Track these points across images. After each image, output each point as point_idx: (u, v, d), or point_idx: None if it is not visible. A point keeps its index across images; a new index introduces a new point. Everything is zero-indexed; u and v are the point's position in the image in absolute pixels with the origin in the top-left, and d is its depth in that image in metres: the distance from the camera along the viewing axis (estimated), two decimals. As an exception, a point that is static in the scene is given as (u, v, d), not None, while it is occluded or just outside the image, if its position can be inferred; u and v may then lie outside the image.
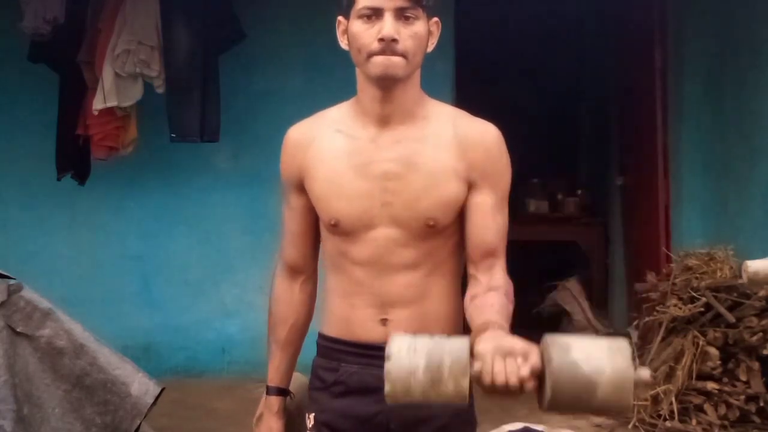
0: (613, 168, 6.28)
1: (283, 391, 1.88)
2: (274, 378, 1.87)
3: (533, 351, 1.38)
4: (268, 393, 1.88)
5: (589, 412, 1.40)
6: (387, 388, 1.36)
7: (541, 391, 1.38)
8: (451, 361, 1.36)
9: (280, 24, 5.13)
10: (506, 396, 1.38)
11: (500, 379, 1.36)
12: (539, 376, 1.38)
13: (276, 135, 1.91)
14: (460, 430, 1.79)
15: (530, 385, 1.37)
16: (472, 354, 1.39)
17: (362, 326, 1.73)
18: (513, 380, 1.36)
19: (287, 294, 1.86)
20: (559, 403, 1.36)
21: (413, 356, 1.36)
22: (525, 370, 1.36)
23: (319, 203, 1.74)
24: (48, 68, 4.76)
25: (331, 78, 4.46)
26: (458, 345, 1.39)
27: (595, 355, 1.35)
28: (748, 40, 4.76)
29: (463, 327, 1.79)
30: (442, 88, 4.60)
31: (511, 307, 1.64)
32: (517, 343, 1.39)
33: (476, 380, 1.37)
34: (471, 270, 1.71)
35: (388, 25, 1.62)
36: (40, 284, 2.52)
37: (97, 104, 4.47)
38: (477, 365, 1.37)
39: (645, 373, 1.36)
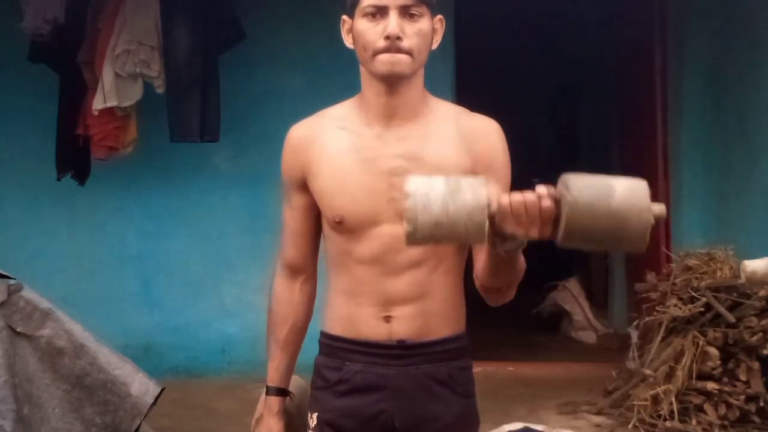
0: (613, 168, 6.28)
1: (282, 392, 1.87)
2: (273, 378, 1.87)
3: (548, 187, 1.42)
4: (267, 393, 1.88)
5: (608, 229, 1.37)
6: (407, 203, 1.38)
7: (560, 215, 1.38)
8: (468, 180, 1.41)
9: (280, 24, 5.13)
10: (525, 223, 1.39)
11: (517, 197, 1.39)
12: (556, 199, 1.39)
13: (276, 135, 1.91)
14: (464, 428, 1.79)
15: (547, 201, 1.38)
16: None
17: (366, 324, 1.73)
18: (530, 196, 1.39)
19: (287, 294, 1.86)
20: (578, 206, 1.35)
21: (431, 178, 1.41)
22: (542, 189, 1.40)
23: (323, 200, 1.74)
24: (48, 68, 4.76)
25: (331, 78, 4.46)
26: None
27: (610, 177, 1.39)
28: (748, 39, 4.77)
29: (466, 325, 1.79)
30: (442, 87, 4.60)
31: (523, 263, 1.65)
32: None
33: (493, 201, 1.39)
34: (476, 258, 1.72)
35: (393, 23, 1.63)
36: (40, 284, 2.53)
37: (97, 104, 4.47)
38: (493, 201, 1.40)
39: (657, 207, 1.38)
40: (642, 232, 1.38)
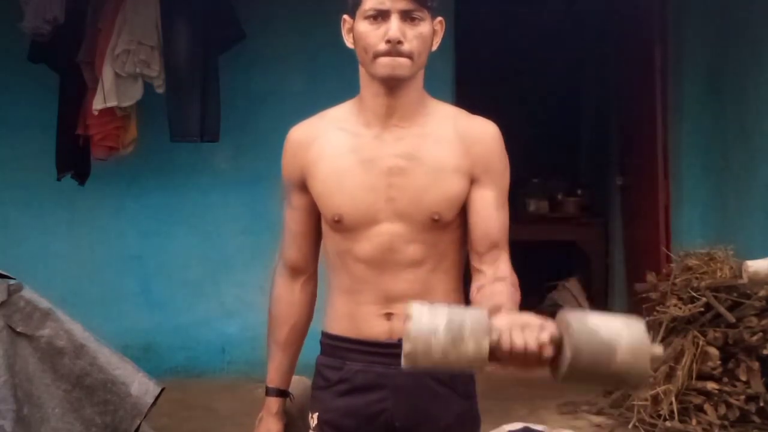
0: (613, 168, 6.28)
1: (282, 393, 1.87)
2: (273, 379, 1.87)
3: (550, 323, 1.40)
4: (267, 394, 1.88)
5: (605, 380, 1.39)
6: (407, 348, 1.36)
7: (559, 359, 1.38)
8: (471, 322, 1.37)
9: (280, 24, 5.13)
10: (524, 365, 1.38)
11: (519, 343, 1.36)
12: (557, 344, 1.38)
13: (276, 135, 1.91)
14: (464, 429, 1.79)
15: (548, 351, 1.37)
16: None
17: (367, 322, 1.73)
18: (532, 344, 1.36)
19: (288, 294, 1.86)
20: (578, 366, 1.35)
21: (434, 317, 1.37)
22: (544, 336, 1.37)
23: (322, 199, 1.74)
24: (48, 68, 4.75)
25: (331, 78, 4.46)
26: (478, 311, 1.41)
27: (612, 324, 1.37)
28: (747, 40, 4.76)
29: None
30: (442, 88, 4.60)
31: (518, 297, 1.66)
32: (533, 317, 1.40)
33: (495, 347, 1.37)
34: (475, 263, 1.72)
35: (394, 27, 1.64)
36: (40, 284, 2.52)
37: (97, 104, 4.47)
38: (495, 334, 1.37)
39: (658, 348, 1.38)
40: (642, 380, 1.40)
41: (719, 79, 5.09)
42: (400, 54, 1.65)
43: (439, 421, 1.74)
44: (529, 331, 1.37)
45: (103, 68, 4.47)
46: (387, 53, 1.65)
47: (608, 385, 1.41)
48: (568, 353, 1.35)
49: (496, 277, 1.67)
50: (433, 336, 1.36)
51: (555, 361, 1.39)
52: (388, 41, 1.64)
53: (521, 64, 7.52)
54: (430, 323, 1.36)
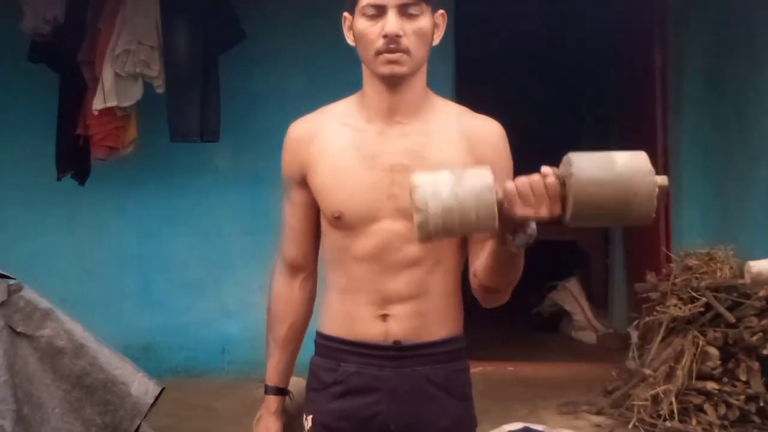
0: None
1: (281, 391, 1.87)
2: (272, 377, 1.87)
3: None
4: (266, 392, 1.87)
5: (613, 198, 1.38)
6: (417, 218, 1.39)
7: (565, 193, 1.40)
8: (472, 169, 1.44)
9: (280, 24, 5.13)
10: (532, 205, 1.40)
11: (522, 179, 1.42)
12: (560, 179, 1.41)
13: (276, 134, 1.91)
14: (461, 432, 1.78)
15: (551, 179, 1.41)
16: None
17: (362, 323, 1.71)
18: (534, 176, 1.42)
19: (287, 292, 1.85)
20: (582, 178, 1.37)
21: (438, 182, 1.41)
22: (546, 168, 1.43)
23: (323, 196, 1.73)
24: (48, 68, 4.76)
25: (331, 78, 4.46)
26: (479, 168, 1.45)
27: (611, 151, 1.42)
28: (747, 40, 4.76)
29: (465, 325, 1.78)
30: (442, 88, 4.59)
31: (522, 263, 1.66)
32: None
33: (501, 196, 1.41)
34: (474, 259, 1.71)
35: (391, 22, 1.63)
36: (40, 284, 2.52)
37: (97, 104, 4.47)
38: (499, 185, 1.42)
39: (661, 177, 1.40)
40: (649, 195, 1.38)
41: (719, 79, 5.09)
42: (398, 49, 1.64)
43: (434, 424, 1.72)
44: (531, 176, 1.43)
45: (103, 68, 4.47)
46: (386, 49, 1.64)
47: (619, 204, 1.38)
48: (572, 169, 1.38)
49: None
50: (438, 177, 1.40)
51: (563, 199, 1.41)
52: (386, 36, 1.63)
53: (521, 64, 7.52)
54: (433, 173, 1.41)
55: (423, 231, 1.40)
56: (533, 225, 1.47)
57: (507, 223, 1.45)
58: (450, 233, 1.42)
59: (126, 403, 2.48)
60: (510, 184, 1.42)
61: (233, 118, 4.89)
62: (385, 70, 1.66)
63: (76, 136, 4.67)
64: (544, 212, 1.42)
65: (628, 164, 1.39)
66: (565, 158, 1.43)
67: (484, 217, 1.39)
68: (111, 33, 4.49)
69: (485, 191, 1.39)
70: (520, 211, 1.42)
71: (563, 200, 1.41)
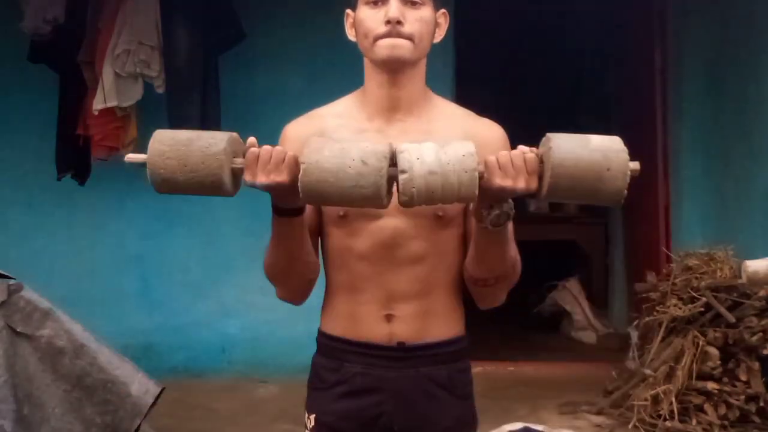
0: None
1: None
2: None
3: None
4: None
5: (589, 173, 1.46)
6: (402, 157, 1.45)
7: (541, 171, 1.49)
8: (456, 140, 1.52)
9: (280, 24, 5.13)
10: (511, 177, 1.47)
11: (503, 152, 1.51)
12: (540, 157, 1.49)
13: (276, 135, 1.90)
14: (463, 431, 1.78)
15: (531, 154, 1.49)
16: None
17: (366, 324, 1.71)
18: (516, 152, 1.50)
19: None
20: (560, 154, 1.45)
21: (423, 142, 1.49)
22: (524, 147, 1.52)
23: None
24: (48, 68, 4.75)
25: (331, 78, 4.45)
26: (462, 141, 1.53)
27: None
28: (747, 39, 4.76)
29: (466, 325, 1.79)
30: (442, 88, 4.59)
31: (514, 258, 1.68)
32: None
33: (483, 167, 1.48)
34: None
35: (393, 8, 1.64)
36: (40, 284, 2.53)
37: (97, 104, 4.47)
38: (481, 158, 1.49)
39: (634, 162, 1.49)
40: (621, 171, 1.47)
41: (719, 79, 5.08)
42: (400, 35, 1.64)
43: (438, 423, 1.73)
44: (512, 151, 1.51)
45: (103, 68, 4.47)
46: (387, 34, 1.64)
47: (593, 181, 1.42)
48: (550, 144, 1.47)
49: None
50: (423, 144, 1.47)
51: (540, 177, 1.49)
52: (388, 21, 1.63)
53: (521, 65, 7.52)
54: (420, 152, 1.46)
55: (406, 194, 1.45)
56: (510, 202, 1.54)
57: (486, 193, 1.49)
58: (432, 198, 1.46)
59: (126, 403, 2.48)
60: (491, 157, 1.49)
61: (233, 118, 4.88)
62: (385, 52, 1.65)
63: (76, 136, 4.67)
64: (521, 184, 1.48)
65: (603, 142, 1.49)
66: (544, 138, 1.51)
67: (465, 182, 1.44)
68: (111, 33, 4.49)
69: (468, 158, 1.45)
70: (499, 181, 1.48)
71: (540, 177, 1.49)
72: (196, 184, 1.53)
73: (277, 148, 1.53)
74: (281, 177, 1.50)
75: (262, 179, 1.51)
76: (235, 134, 1.57)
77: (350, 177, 1.44)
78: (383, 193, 1.46)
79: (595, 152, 1.46)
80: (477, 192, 1.46)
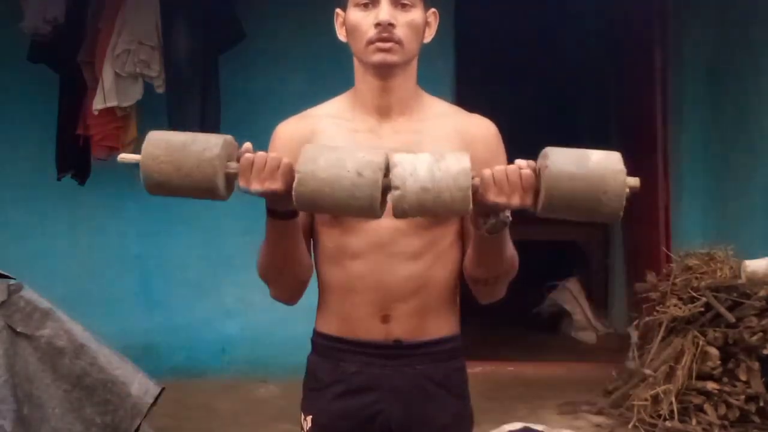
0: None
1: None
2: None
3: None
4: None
5: (586, 193, 1.43)
6: (395, 172, 1.43)
7: (539, 187, 1.45)
8: (451, 153, 1.49)
9: (280, 24, 5.13)
10: (506, 193, 1.45)
11: (499, 167, 1.48)
12: (536, 171, 1.46)
13: (276, 135, 1.90)
14: (460, 429, 1.78)
15: (527, 171, 1.46)
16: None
17: (362, 323, 1.70)
18: (511, 166, 1.47)
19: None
20: (555, 169, 1.42)
21: (417, 154, 1.47)
22: (521, 161, 1.48)
23: None
24: (48, 68, 4.75)
25: (331, 78, 4.44)
26: (457, 153, 1.51)
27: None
28: (747, 40, 4.77)
29: (466, 325, 1.78)
30: (442, 88, 4.60)
31: (512, 257, 1.67)
32: None
33: (478, 181, 1.46)
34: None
35: (384, 11, 1.63)
36: (40, 284, 2.53)
37: (97, 104, 4.47)
38: (476, 172, 1.47)
39: (633, 178, 1.47)
40: (618, 194, 1.45)
41: (719, 79, 5.09)
42: (390, 38, 1.64)
43: (434, 422, 1.72)
44: (509, 165, 1.49)
45: (103, 68, 4.47)
46: (378, 38, 1.64)
47: (590, 200, 1.41)
48: (547, 162, 1.43)
49: None
50: (417, 158, 1.44)
51: (536, 192, 1.46)
52: (379, 25, 1.63)
53: (521, 64, 7.52)
54: (413, 166, 1.43)
55: (399, 208, 1.44)
56: (507, 212, 1.52)
57: (480, 208, 1.49)
58: (424, 212, 1.46)
59: (126, 403, 2.48)
60: (487, 171, 1.47)
61: (233, 118, 4.89)
62: (377, 58, 1.65)
63: (76, 136, 4.67)
64: (515, 201, 1.46)
65: (601, 162, 1.45)
66: (543, 151, 1.48)
67: (458, 199, 1.43)
68: (111, 33, 4.49)
69: (461, 175, 1.43)
70: (493, 197, 1.46)
71: (536, 192, 1.46)
72: (189, 188, 1.53)
73: (272, 155, 1.52)
74: (275, 185, 1.50)
75: (256, 186, 1.51)
76: (229, 137, 1.55)
77: (345, 188, 1.43)
78: (377, 205, 1.45)
79: (592, 173, 1.43)
80: (470, 208, 1.45)
